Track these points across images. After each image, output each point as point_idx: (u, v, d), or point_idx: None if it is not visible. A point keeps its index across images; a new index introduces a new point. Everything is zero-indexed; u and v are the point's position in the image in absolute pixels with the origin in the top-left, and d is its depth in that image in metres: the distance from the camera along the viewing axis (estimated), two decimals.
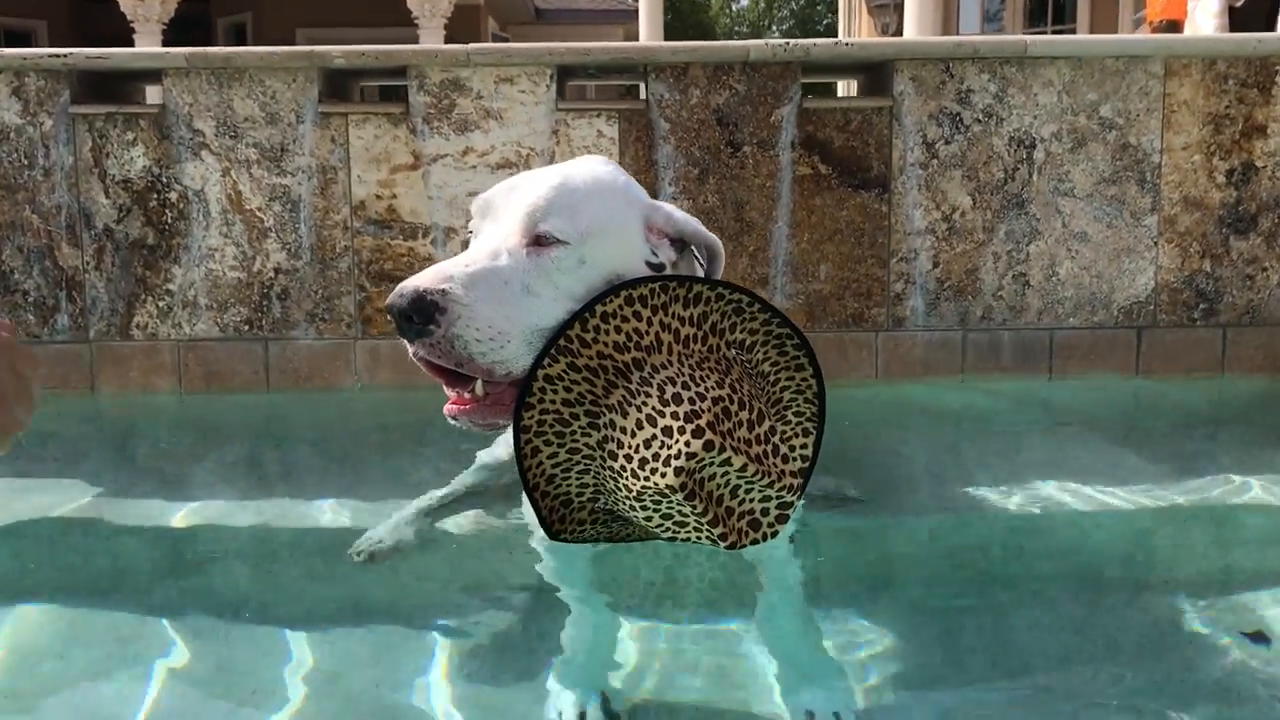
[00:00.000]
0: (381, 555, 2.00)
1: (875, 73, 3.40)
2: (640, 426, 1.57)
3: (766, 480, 1.60)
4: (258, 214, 3.21)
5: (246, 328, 3.24)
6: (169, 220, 3.21)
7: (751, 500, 1.61)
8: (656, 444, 1.55)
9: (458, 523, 2.19)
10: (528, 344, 1.60)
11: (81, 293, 3.23)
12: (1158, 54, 3.20)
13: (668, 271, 1.76)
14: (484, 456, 2.42)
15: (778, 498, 1.62)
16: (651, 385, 1.59)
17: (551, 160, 3.18)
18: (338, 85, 3.35)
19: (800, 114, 3.19)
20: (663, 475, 1.53)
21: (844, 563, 2.03)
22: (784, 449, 1.69)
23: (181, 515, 2.26)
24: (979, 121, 3.21)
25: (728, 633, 1.74)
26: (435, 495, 2.25)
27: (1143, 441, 2.83)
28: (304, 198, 3.21)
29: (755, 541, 1.63)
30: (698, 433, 1.53)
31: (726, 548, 1.61)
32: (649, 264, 1.73)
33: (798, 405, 1.76)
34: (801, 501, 1.91)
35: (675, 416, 1.54)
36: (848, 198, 3.23)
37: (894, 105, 3.20)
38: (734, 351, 1.70)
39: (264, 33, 15.82)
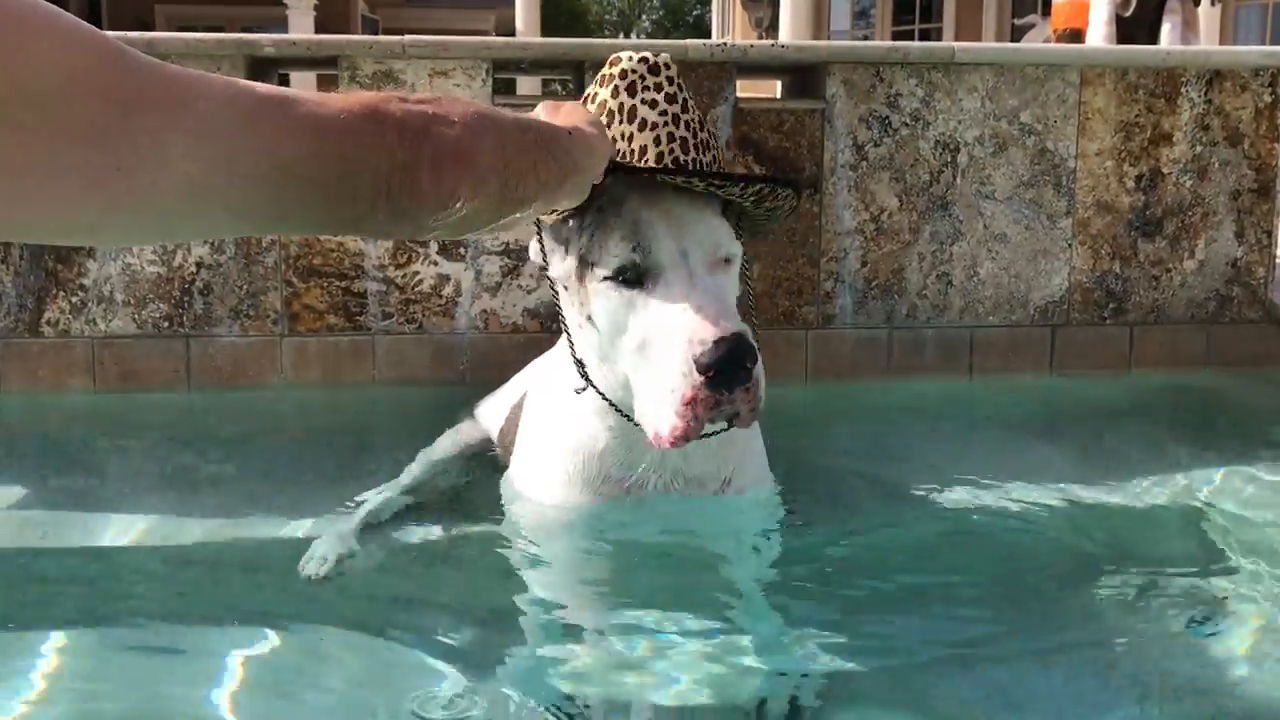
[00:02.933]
0: (331, 573, 1.90)
1: (802, 75, 3.45)
2: None
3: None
4: None
5: (166, 324, 3.11)
6: None
7: None
8: None
9: (399, 531, 2.13)
10: None
11: None
12: (1075, 63, 3.34)
13: None
14: (422, 457, 2.39)
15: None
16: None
17: None
18: (259, 75, 3.23)
19: (735, 113, 3.22)
20: None
21: (787, 569, 2.04)
22: None
23: (97, 525, 2.15)
24: (906, 125, 3.29)
25: (679, 626, 1.74)
26: (375, 501, 2.18)
27: (1058, 437, 2.94)
28: None
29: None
30: None
31: None
32: None
33: None
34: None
35: None
36: None
37: (826, 107, 3.26)
38: None
39: (119, 8, 15.14)
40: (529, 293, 3.20)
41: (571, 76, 3.36)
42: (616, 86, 1.73)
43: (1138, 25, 4.83)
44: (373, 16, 17.14)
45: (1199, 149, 3.40)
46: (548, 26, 20.84)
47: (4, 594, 1.92)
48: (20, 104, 0.75)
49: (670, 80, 1.74)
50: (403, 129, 0.97)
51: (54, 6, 0.82)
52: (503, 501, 2.11)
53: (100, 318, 3.09)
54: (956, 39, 13.14)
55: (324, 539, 1.99)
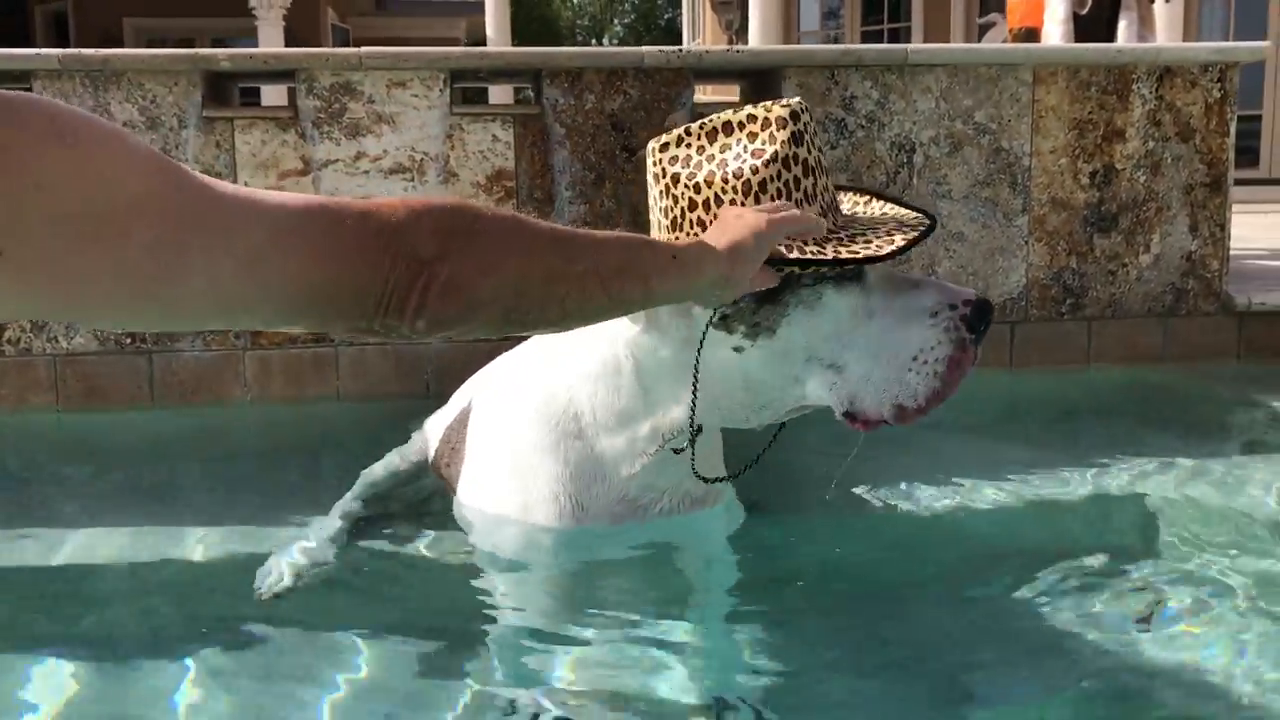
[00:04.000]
0: (286, 591, 1.88)
1: (759, 79, 3.48)
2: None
3: None
4: None
5: (128, 340, 3.11)
6: None
7: None
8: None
9: (356, 548, 2.12)
10: None
11: None
12: (1027, 62, 3.38)
13: None
14: (367, 475, 2.36)
15: None
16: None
17: (446, 165, 3.16)
18: (218, 89, 3.24)
19: (693, 118, 3.24)
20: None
21: (729, 563, 2.06)
22: None
23: (63, 544, 2.14)
24: (862, 127, 3.33)
25: (646, 637, 1.75)
26: (328, 522, 2.15)
27: (1015, 435, 2.97)
28: None
29: None
30: None
31: None
32: None
33: None
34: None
35: None
36: None
37: None
38: None
39: (86, 22, 15.05)
40: None
41: (531, 85, 3.38)
42: (808, 143, 1.68)
43: (1095, 23, 4.88)
44: (343, 25, 17.08)
45: (1151, 144, 3.44)
46: (519, 33, 20.85)
47: None
48: (93, 218, 0.85)
49: (812, 117, 1.75)
50: (407, 259, 1.06)
51: (124, 130, 0.94)
52: (460, 518, 2.09)
53: (61, 335, 3.09)
54: (925, 38, 13.22)
55: (278, 556, 1.98)
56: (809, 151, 1.66)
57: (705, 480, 1.84)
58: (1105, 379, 3.43)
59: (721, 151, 1.65)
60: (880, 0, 14.91)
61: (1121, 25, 4.85)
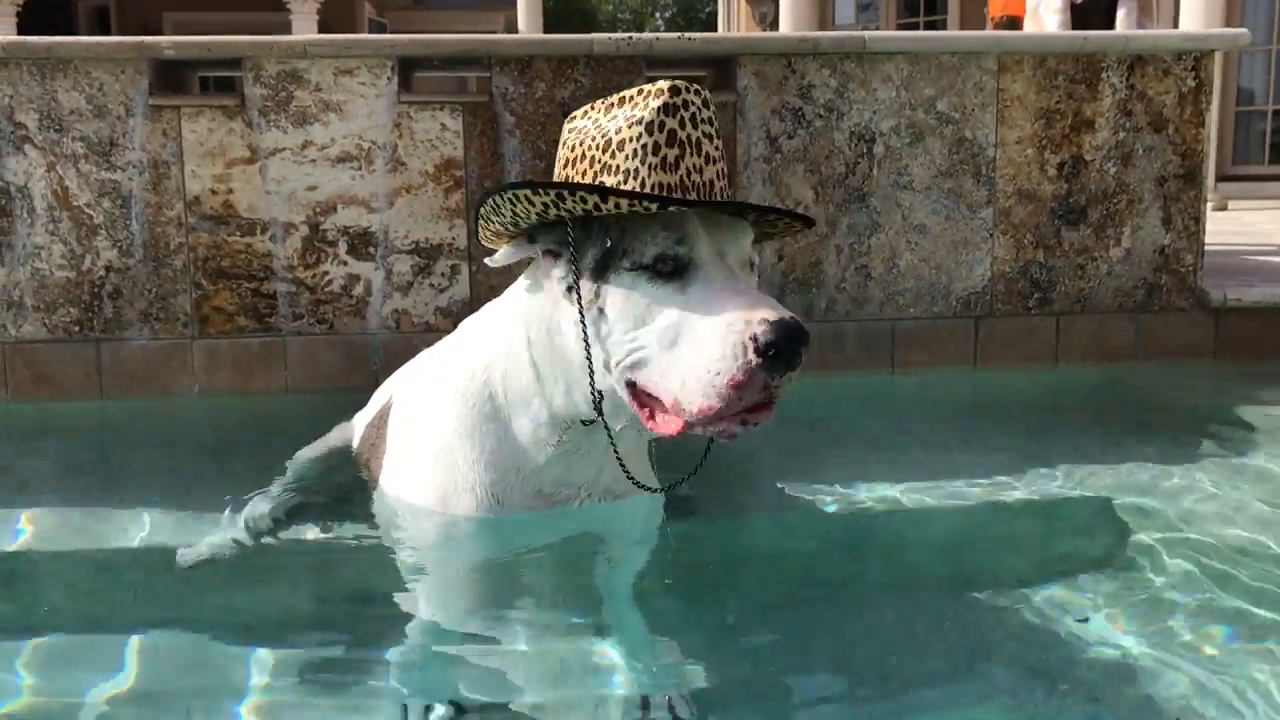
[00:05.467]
0: (201, 566, 1.94)
1: (722, 68, 3.42)
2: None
3: None
4: (86, 210, 3.10)
5: (77, 329, 3.13)
6: None
7: None
8: None
9: (287, 534, 2.13)
10: None
11: None
12: (991, 50, 3.29)
13: None
14: (294, 463, 2.38)
15: None
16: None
17: (395, 154, 3.14)
18: (173, 77, 3.24)
19: None
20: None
21: (678, 561, 2.04)
22: None
23: (5, 527, 2.17)
24: (820, 116, 3.26)
25: (569, 628, 1.75)
26: (261, 504, 2.19)
27: (977, 433, 2.90)
28: (135, 193, 3.10)
29: None
30: None
31: None
32: None
33: None
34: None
35: None
36: None
37: (737, 100, 3.23)
38: None
39: (128, 17, 15.29)
40: (441, 291, 3.19)
41: (487, 73, 3.34)
42: (683, 118, 1.65)
43: (1093, 11, 4.75)
44: (380, 19, 17.19)
45: (1122, 135, 3.34)
46: (558, 27, 20.86)
47: None
48: None
49: (707, 105, 1.72)
50: None
51: None
52: (379, 511, 2.08)
53: (10, 323, 3.11)
54: (961, 31, 13.04)
55: (207, 539, 2.05)
56: (683, 127, 1.63)
57: (628, 474, 1.80)
58: (1072, 377, 3.34)
59: (608, 117, 1.67)
60: None
61: (1121, 14, 4.73)
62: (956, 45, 3.30)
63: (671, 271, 1.59)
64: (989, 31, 4.81)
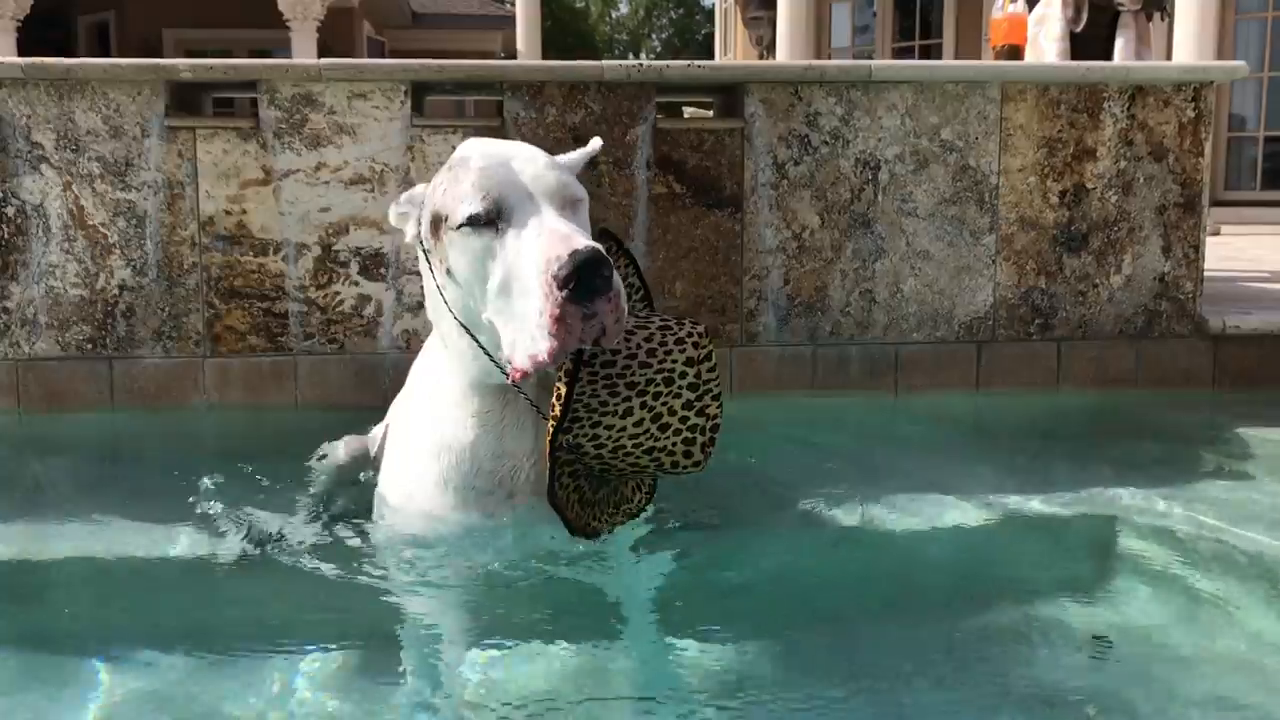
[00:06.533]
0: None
1: (729, 94, 3.47)
2: (644, 327, 1.79)
3: (719, 388, 1.83)
4: (101, 229, 3.13)
5: (90, 346, 3.15)
6: (6, 236, 3.11)
7: (718, 409, 1.83)
8: (668, 334, 1.78)
9: (297, 542, 2.16)
10: None
11: None
12: (995, 79, 3.34)
13: None
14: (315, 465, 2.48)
15: (714, 416, 1.83)
16: (640, 315, 1.92)
17: (407, 176, 3.18)
18: (187, 98, 3.28)
19: (655, 134, 3.24)
20: (682, 352, 1.76)
21: (694, 582, 2.06)
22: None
23: (19, 543, 2.20)
24: (826, 143, 3.30)
25: (587, 651, 1.76)
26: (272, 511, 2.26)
27: (980, 456, 2.94)
28: (150, 213, 3.13)
29: (697, 465, 1.84)
30: (695, 325, 1.82)
31: (696, 456, 1.81)
32: None
33: None
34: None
35: (666, 322, 1.82)
36: (702, 216, 3.29)
37: (745, 127, 3.28)
38: None
39: (128, 32, 15.31)
40: None
41: (492, 97, 3.39)
42: None
43: (1092, 41, 4.82)
44: (378, 38, 17.26)
45: (1123, 164, 3.39)
46: (554, 48, 20.96)
47: None
48: None
49: None
50: None
51: None
52: (374, 514, 2.13)
53: (24, 340, 3.13)
54: (956, 54, 13.14)
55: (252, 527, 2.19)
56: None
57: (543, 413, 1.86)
58: (1074, 402, 3.38)
59: None
60: (913, 17, 14.85)
61: (1119, 44, 4.80)
62: (961, 74, 3.35)
63: (486, 224, 1.72)
64: (991, 61, 4.86)
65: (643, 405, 1.75)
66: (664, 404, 1.76)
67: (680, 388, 1.77)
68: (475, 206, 1.72)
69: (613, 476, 1.87)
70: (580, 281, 1.59)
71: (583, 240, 1.64)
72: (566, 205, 1.76)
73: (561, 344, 1.62)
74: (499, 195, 1.72)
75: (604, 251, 1.61)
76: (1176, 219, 3.42)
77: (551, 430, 1.72)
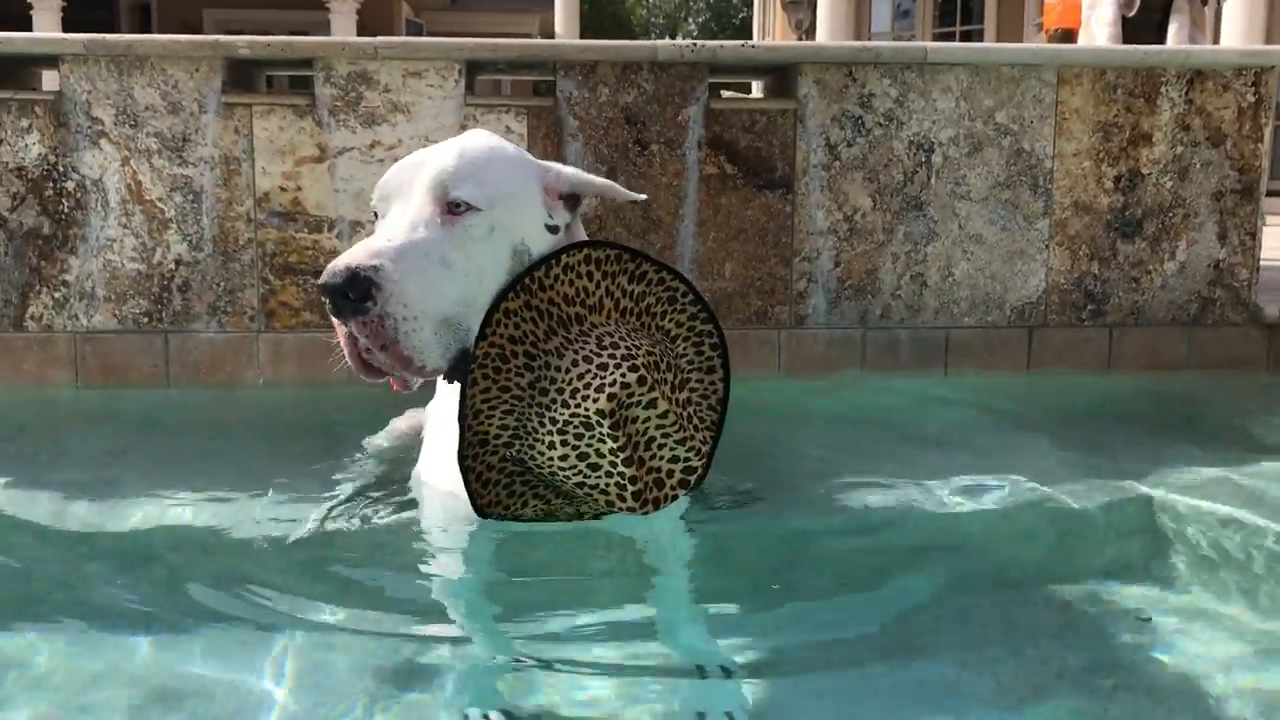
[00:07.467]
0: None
1: (781, 75, 3.46)
2: (575, 364, 1.69)
3: (680, 435, 1.73)
4: (158, 205, 3.16)
5: (146, 320, 3.19)
6: (65, 210, 3.15)
7: (661, 458, 1.74)
8: (590, 375, 1.67)
9: (366, 517, 2.18)
10: (435, 333, 1.67)
11: None
12: (1051, 63, 3.31)
13: (562, 234, 1.86)
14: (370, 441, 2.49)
15: (684, 459, 1.73)
16: (590, 336, 1.73)
17: None
18: (243, 75, 3.30)
19: (707, 114, 3.24)
20: (594, 401, 1.65)
21: (740, 559, 2.06)
22: (695, 419, 1.76)
23: (78, 511, 2.22)
24: (880, 125, 3.29)
25: (621, 631, 1.74)
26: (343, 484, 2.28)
27: (1029, 438, 2.92)
28: (206, 189, 3.16)
29: (657, 502, 1.74)
30: (633, 369, 1.67)
31: (629, 501, 1.71)
32: (546, 226, 1.83)
33: (701, 410, 1.82)
34: (687, 496, 1.98)
35: (612, 356, 1.68)
36: (753, 197, 3.29)
37: (798, 107, 3.27)
38: (659, 335, 1.78)
39: (168, 13, 15.44)
40: None
41: (549, 77, 3.39)
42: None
43: (1143, 26, 4.76)
44: (416, 20, 17.30)
45: (1180, 149, 3.35)
46: (591, 31, 20.92)
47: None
48: None
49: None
50: None
51: None
52: (412, 490, 2.16)
53: (82, 313, 3.17)
54: (998, 40, 13.02)
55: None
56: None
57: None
58: (1124, 386, 3.35)
59: None
60: (954, 1, 14.73)
61: (1172, 28, 4.74)
62: (1017, 57, 3.32)
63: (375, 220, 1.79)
64: (1045, 44, 4.82)
65: (563, 442, 1.70)
66: (590, 445, 1.70)
67: (601, 434, 1.69)
68: (372, 207, 1.82)
69: (568, 490, 1.82)
70: (331, 302, 1.62)
71: (356, 258, 1.61)
72: (435, 203, 1.73)
73: (349, 351, 1.70)
74: (386, 196, 1.78)
75: (361, 274, 1.59)
76: (1233, 205, 3.39)
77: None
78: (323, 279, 1.59)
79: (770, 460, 2.63)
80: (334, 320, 1.67)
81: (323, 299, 1.64)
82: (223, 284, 3.19)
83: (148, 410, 3.10)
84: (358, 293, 1.58)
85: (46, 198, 3.14)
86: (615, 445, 1.68)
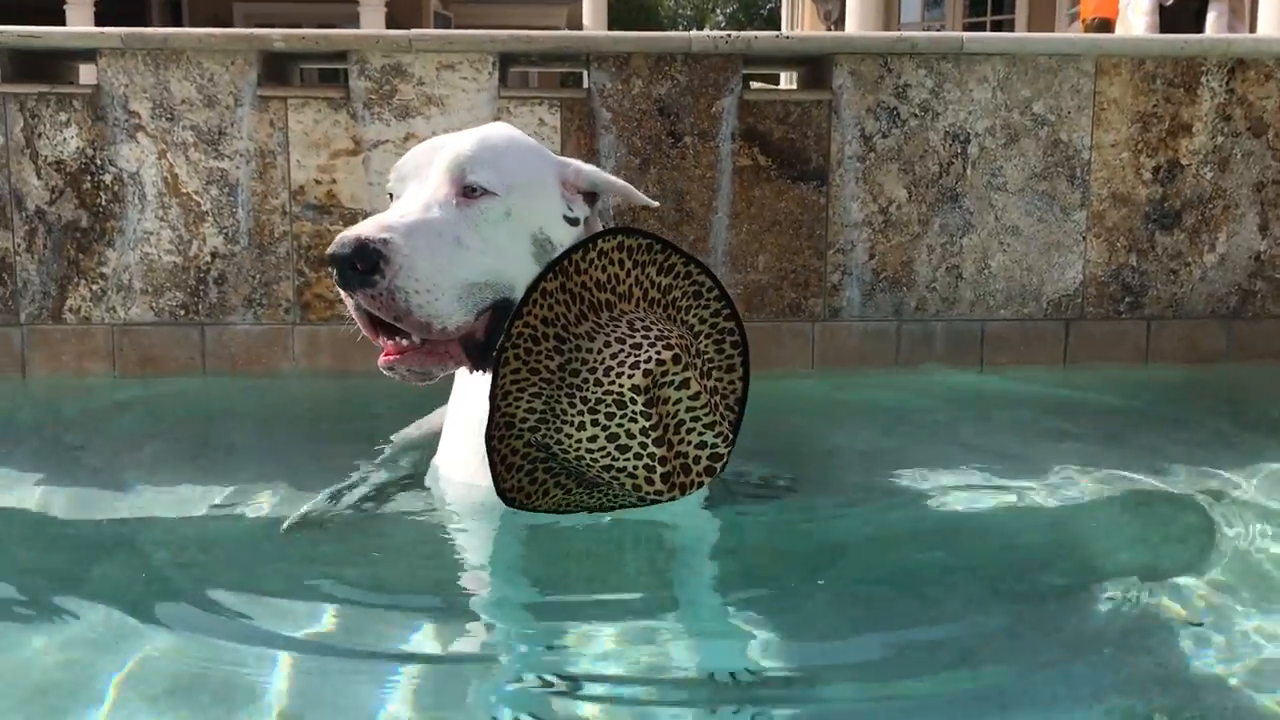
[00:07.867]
0: (304, 527, 2.00)
1: (815, 66, 3.44)
2: (608, 345, 1.68)
3: (710, 418, 1.71)
4: (195, 197, 3.18)
5: (182, 312, 3.21)
6: (103, 203, 3.17)
7: (689, 443, 1.71)
8: (624, 354, 1.66)
9: (385, 508, 2.18)
10: (458, 298, 1.67)
11: (12, 275, 3.18)
12: (1089, 53, 3.28)
13: (581, 226, 1.87)
14: (399, 436, 2.47)
15: (711, 445, 1.72)
16: (621, 321, 1.72)
17: None
18: (276, 68, 3.31)
19: (741, 105, 3.23)
20: (630, 376, 1.64)
21: (772, 550, 2.05)
22: (721, 405, 1.76)
23: (115, 501, 2.24)
24: (915, 116, 3.26)
25: (645, 633, 1.71)
26: (367, 474, 2.26)
27: (1067, 432, 2.90)
28: (242, 181, 3.18)
29: (684, 487, 1.72)
30: (667, 347, 1.67)
31: (658, 484, 1.69)
32: (566, 218, 1.85)
33: (721, 408, 1.82)
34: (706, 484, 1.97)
35: (645, 337, 1.68)
36: (786, 189, 3.27)
37: (833, 98, 3.25)
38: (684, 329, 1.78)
39: (199, 7, 15.53)
40: None
41: (582, 69, 3.39)
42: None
43: (1181, 15, 4.71)
44: (445, 12, 17.32)
45: (1220, 140, 3.31)
46: (619, 23, 20.89)
47: (33, 558, 2.00)
48: None
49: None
50: None
51: None
52: (429, 482, 2.16)
53: (120, 305, 3.20)
54: (1029, 30, 12.92)
55: (310, 504, 2.11)
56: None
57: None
58: (1162, 379, 3.32)
59: None
60: None
61: (1211, 16, 4.68)
62: (1054, 47, 3.29)
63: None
64: (1082, 34, 4.77)
65: (594, 422, 1.69)
66: (620, 426, 1.68)
67: (634, 413, 1.67)
68: (390, 186, 1.81)
69: (590, 478, 1.80)
70: (338, 271, 1.60)
71: (368, 230, 1.60)
72: (462, 195, 1.72)
73: (358, 321, 1.69)
74: (402, 175, 1.78)
75: (369, 247, 1.58)
76: (1274, 196, 3.34)
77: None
78: (331, 249, 1.57)
79: (804, 453, 2.61)
80: (341, 292, 1.65)
81: (330, 269, 1.63)
82: (258, 276, 3.21)
83: (185, 401, 3.12)
84: (365, 264, 1.57)
85: (84, 191, 3.17)
86: (647, 424, 1.67)
